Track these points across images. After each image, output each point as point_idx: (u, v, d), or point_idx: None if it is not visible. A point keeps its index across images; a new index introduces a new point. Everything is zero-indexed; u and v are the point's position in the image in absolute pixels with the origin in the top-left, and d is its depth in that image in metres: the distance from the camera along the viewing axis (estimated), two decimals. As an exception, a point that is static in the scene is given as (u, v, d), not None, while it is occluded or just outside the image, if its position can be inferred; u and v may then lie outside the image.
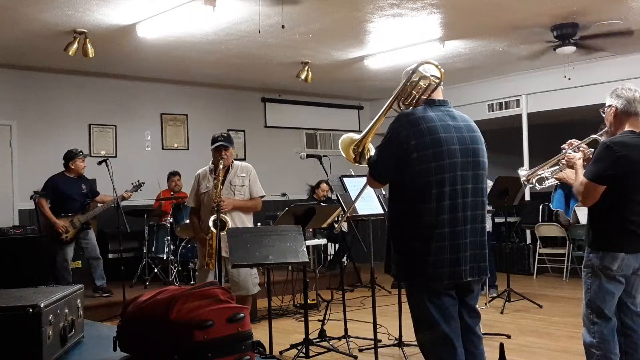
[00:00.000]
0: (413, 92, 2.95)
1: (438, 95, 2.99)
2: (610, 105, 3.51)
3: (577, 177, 3.50)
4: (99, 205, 7.29)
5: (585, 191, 3.41)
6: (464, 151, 2.87)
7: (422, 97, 2.95)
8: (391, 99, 2.99)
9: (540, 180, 3.88)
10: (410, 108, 2.96)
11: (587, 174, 3.42)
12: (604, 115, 3.59)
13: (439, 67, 2.98)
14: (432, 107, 2.92)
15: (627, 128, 3.46)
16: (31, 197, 7.78)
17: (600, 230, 3.47)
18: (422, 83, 2.94)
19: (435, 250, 2.80)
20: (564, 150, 3.69)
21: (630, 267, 3.43)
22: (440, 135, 2.83)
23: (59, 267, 7.23)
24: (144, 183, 7.84)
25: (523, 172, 4.00)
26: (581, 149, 3.64)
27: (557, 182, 3.80)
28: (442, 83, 2.99)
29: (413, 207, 2.84)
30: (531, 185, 3.97)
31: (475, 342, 2.96)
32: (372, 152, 2.99)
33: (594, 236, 3.49)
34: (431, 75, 2.96)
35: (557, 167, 3.78)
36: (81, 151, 7.43)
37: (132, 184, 7.63)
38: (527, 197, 9.59)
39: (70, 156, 7.30)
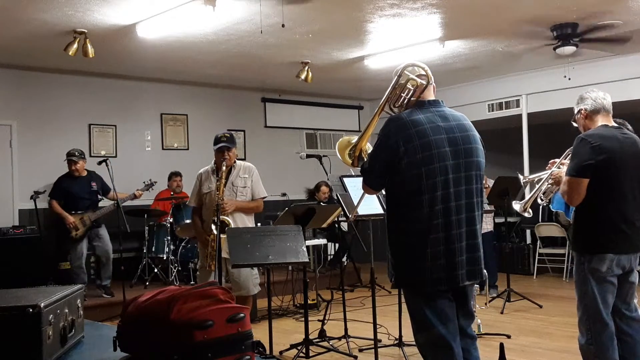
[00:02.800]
0: (402, 94, 2.94)
1: (429, 95, 2.97)
2: (579, 111, 3.59)
3: (561, 183, 3.52)
4: (111, 202, 7.32)
5: (569, 189, 3.39)
6: (455, 153, 2.85)
7: (412, 98, 2.94)
8: (382, 102, 2.98)
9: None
10: (402, 109, 2.95)
11: (568, 171, 3.43)
12: (575, 125, 3.65)
13: (425, 68, 2.96)
14: (422, 108, 2.90)
15: (600, 124, 3.51)
16: (31, 197, 7.80)
17: (586, 231, 3.44)
18: (409, 85, 2.94)
19: (431, 256, 2.80)
20: (548, 171, 3.74)
21: (621, 266, 3.39)
22: (430, 138, 2.80)
23: (73, 265, 7.27)
24: (155, 182, 7.96)
25: (517, 205, 4.03)
26: (565, 163, 3.68)
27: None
28: (432, 82, 2.98)
29: (407, 213, 2.84)
30: (529, 216, 4.01)
31: (469, 342, 2.98)
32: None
33: (580, 238, 3.47)
34: (418, 76, 2.94)
35: (548, 187, 3.82)
36: (76, 152, 7.35)
37: (144, 182, 7.73)
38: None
39: (66, 156, 7.34)
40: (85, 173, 7.35)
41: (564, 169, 3.60)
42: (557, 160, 3.76)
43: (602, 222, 3.39)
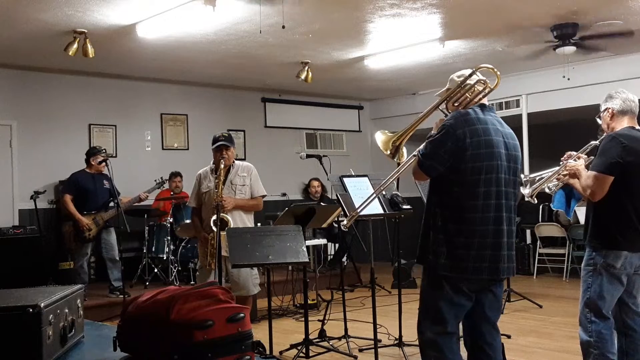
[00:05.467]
0: (467, 94, 3.03)
1: (485, 101, 3.09)
2: (606, 109, 3.61)
3: (581, 179, 3.53)
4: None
5: (594, 184, 3.43)
6: (507, 156, 3.01)
7: (474, 100, 3.03)
8: (441, 98, 3.08)
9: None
10: (457, 110, 3.03)
11: (595, 167, 3.46)
12: (600, 122, 3.67)
13: (497, 72, 2.98)
14: (483, 110, 3.03)
15: (626, 125, 3.54)
16: (31, 197, 7.81)
17: (604, 228, 3.49)
18: (478, 87, 3.03)
19: (478, 246, 2.90)
20: (563, 162, 3.74)
21: (633, 265, 3.46)
22: (492, 137, 2.95)
23: (76, 265, 7.26)
24: (167, 180, 8.01)
25: (526, 190, 4.03)
26: (581, 157, 3.69)
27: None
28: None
29: (460, 202, 2.93)
30: (534, 202, 4.01)
31: (494, 334, 3.08)
32: (405, 152, 3.04)
33: (598, 234, 3.52)
34: (487, 81, 3.05)
35: (560, 178, 3.81)
36: (104, 149, 7.45)
37: (155, 180, 7.77)
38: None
39: (92, 152, 7.37)
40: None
41: (581, 162, 3.62)
42: (574, 153, 3.76)
43: (619, 220, 3.46)
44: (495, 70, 3.00)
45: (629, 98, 3.56)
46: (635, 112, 3.59)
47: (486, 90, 3.03)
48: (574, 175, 3.60)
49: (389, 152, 3.01)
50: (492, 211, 2.92)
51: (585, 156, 3.71)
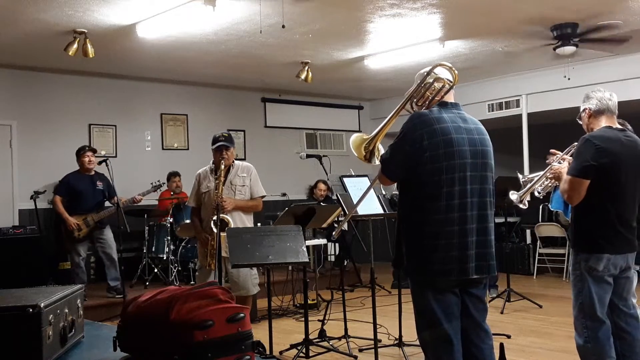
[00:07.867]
0: (427, 93, 3.01)
1: (450, 98, 3.06)
2: (584, 109, 3.62)
3: (562, 181, 3.54)
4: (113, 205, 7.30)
5: (570, 188, 3.42)
6: (473, 153, 2.96)
7: (435, 98, 3.01)
8: (404, 99, 3.05)
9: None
10: (423, 109, 3.01)
11: (570, 171, 3.46)
12: (580, 122, 3.67)
13: (453, 70, 3.02)
14: (445, 108, 3.00)
15: (603, 124, 3.53)
16: (31, 197, 7.80)
17: (585, 231, 3.47)
18: (436, 85, 3.00)
19: (444, 247, 2.88)
20: (549, 163, 3.75)
21: (617, 266, 3.43)
22: (452, 136, 2.91)
23: (72, 265, 7.25)
24: (164, 183, 8.03)
25: (514, 196, 4.05)
26: (566, 158, 3.70)
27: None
28: (454, 86, 3.05)
29: (424, 204, 2.91)
30: (524, 207, 4.03)
31: (482, 336, 3.03)
32: (382, 151, 3.04)
33: (579, 237, 3.50)
34: (445, 78, 3.02)
35: (547, 182, 3.83)
36: (86, 146, 7.45)
37: (152, 183, 7.77)
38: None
39: (78, 151, 7.36)
40: (93, 172, 7.35)
41: (565, 164, 3.63)
42: (559, 153, 3.78)
43: (600, 223, 3.42)
44: (452, 67, 3.01)
45: (604, 97, 3.54)
46: (613, 111, 3.55)
47: (445, 87, 2.99)
48: (558, 177, 3.61)
49: (363, 157, 3.02)
50: (456, 211, 2.88)
51: (570, 157, 3.70)
